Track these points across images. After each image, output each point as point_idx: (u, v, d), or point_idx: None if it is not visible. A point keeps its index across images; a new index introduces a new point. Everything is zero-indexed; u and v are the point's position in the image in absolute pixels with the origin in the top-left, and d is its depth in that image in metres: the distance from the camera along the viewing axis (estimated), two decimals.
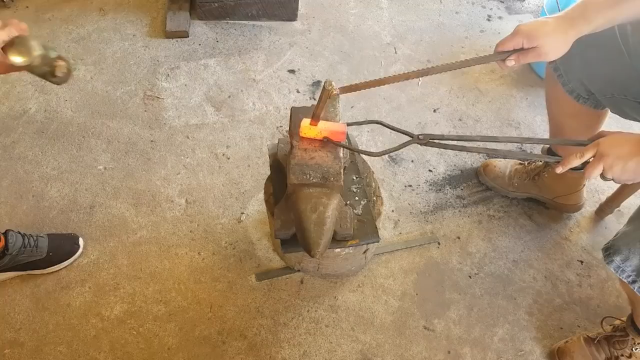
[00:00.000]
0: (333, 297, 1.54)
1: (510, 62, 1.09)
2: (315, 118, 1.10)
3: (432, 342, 1.48)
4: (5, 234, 1.44)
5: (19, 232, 1.47)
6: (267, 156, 1.45)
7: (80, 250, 1.57)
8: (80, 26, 2.23)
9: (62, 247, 1.54)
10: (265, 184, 1.40)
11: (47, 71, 1.05)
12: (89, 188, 1.73)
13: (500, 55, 1.10)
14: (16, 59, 0.98)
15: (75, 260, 1.56)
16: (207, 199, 1.73)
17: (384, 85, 1.09)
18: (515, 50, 1.08)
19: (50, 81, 1.10)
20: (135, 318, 1.47)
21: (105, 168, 1.78)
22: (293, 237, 1.17)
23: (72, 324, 1.46)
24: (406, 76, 1.09)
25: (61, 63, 1.07)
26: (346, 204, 1.24)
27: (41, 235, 1.52)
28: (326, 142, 1.14)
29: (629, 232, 1.12)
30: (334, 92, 1.03)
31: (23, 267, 1.49)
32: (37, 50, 1.00)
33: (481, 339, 1.50)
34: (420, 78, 2.16)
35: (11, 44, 0.98)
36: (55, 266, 1.53)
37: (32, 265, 1.50)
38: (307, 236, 1.07)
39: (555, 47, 1.06)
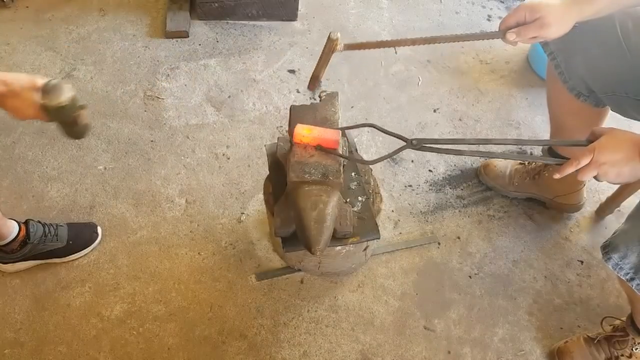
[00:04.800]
0: (333, 297, 1.54)
1: (511, 35, 1.09)
2: (313, 80, 1.09)
3: (432, 342, 1.48)
4: (26, 223, 1.47)
5: (39, 222, 1.50)
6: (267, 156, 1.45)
7: (99, 238, 1.59)
8: (80, 26, 2.23)
9: (81, 236, 1.56)
10: (264, 183, 1.40)
11: (71, 118, 1.08)
12: (89, 188, 1.73)
13: (503, 31, 1.11)
14: (51, 99, 1.01)
15: (94, 248, 1.58)
16: (207, 199, 1.72)
17: (390, 47, 1.10)
18: (518, 25, 1.09)
19: (69, 132, 1.12)
20: (135, 318, 1.47)
21: (105, 168, 1.78)
22: (293, 235, 1.17)
23: (72, 324, 1.45)
24: (412, 42, 1.12)
25: (84, 112, 1.10)
26: (345, 202, 1.24)
27: (61, 224, 1.54)
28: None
29: (626, 230, 1.12)
30: (338, 47, 1.01)
31: (43, 256, 1.51)
32: (69, 93, 1.04)
33: (481, 339, 1.50)
34: (420, 78, 2.16)
35: (45, 89, 1.01)
36: (75, 254, 1.55)
37: (52, 254, 1.52)
38: (308, 234, 1.07)
39: (557, 20, 1.06)
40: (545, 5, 1.06)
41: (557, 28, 1.08)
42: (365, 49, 1.09)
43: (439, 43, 1.12)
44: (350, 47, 1.06)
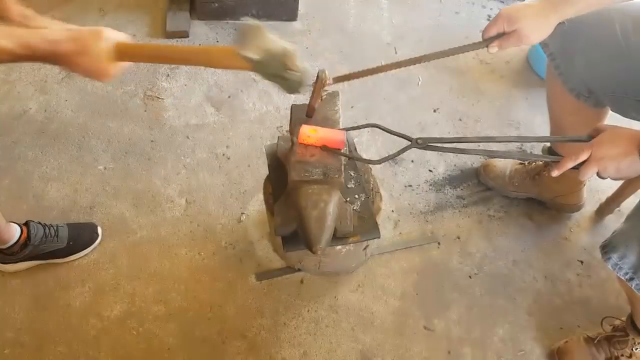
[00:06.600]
0: (333, 297, 1.54)
1: (493, 49, 1.11)
2: (310, 110, 1.10)
3: (432, 342, 1.48)
4: (27, 224, 1.47)
5: (39, 223, 1.49)
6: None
7: (100, 238, 1.59)
8: (80, 26, 2.23)
9: (81, 236, 1.56)
10: (264, 183, 1.40)
11: (277, 64, 0.87)
12: (89, 188, 1.73)
13: (485, 42, 1.12)
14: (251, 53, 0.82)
15: (95, 248, 1.58)
16: (207, 199, 1.72)
17: (376, 74, 1.10)
18: (499, 35, 1.10)
19: (281, 83, 0.92)
20: (135, 318, 1.47)
21: (105, 168, 1.78)
22: (293, 235, 1.17)
23: (72, 324, 1.45)
24: (397, 65, 1.11)
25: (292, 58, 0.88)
26: (346, 201, 1.24)
27: (61, 225, 1.54)
28: None
29: (626, 230, 1.12)
30: (327, 82, 1.03)
31: (44, 257, 1.51)
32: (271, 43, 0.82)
33: (481, 339, 1.49)
34: (420, 78, 2.16)
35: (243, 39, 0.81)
36: (76, 254, 1.55)
37: (53, 255, 1.52)
38: (309, 233, 1.07)
39: (535, 30, 1.08)
40: (523, 15, 1.06)
41: (536, 36, 1.09)
42: (353, 79, 1.10)
43: (425, 62, 1.13)
44: (338, 79, 1.08)
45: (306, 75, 0.93)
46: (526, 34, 1.07)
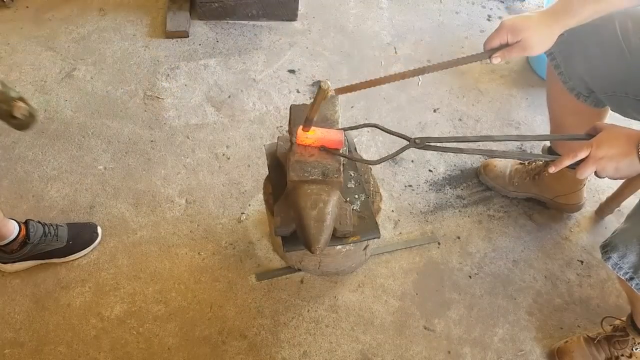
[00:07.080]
0: (333, 297, 1.54)
1: (496, 59, 1.12)
2: (307, 123, 1.09)
3: (432, 342, 1.48)
4: (26, 223, 1.47)
5: (39, 222, 1.50)
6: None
7: (99, 238, 1.59)
8: (80, 26, 2.23)
9: (81, 236, 1.56)
10: (264, 183, 1.40)
11: (4, 110, 1.04)
12: (89, 188, 1.73)
13: (488, 52, 1.12)
14: None
15: (94, 248, 1.58)
16: (207, 199, 1.72)
17: (380, 85, 1.09)
18: (502, 46, 1.10)
19: (9, 124, 1.08)
20: (135, 318, 1.47)
21: (105, 168, 1.78)
22: (293, 235, 1.17)
23: (72, 324, 1.45)
24: (402, 76, 1.10)
25: (21, 104, 1.05)
26: (346, 201, 1.24)
27: (61, 224, 1.54)
28: None
29: (626, 230, 1.12)
30: (330, 93, 1.03)
31: (43, 256, 1.51)
32: None
33: (481, 339, 1.49)
34: (420, 78, 2.16)
35: None
36: (75, 254, 1.55)
37: (52, 254, 1.52)
38: (308, 232, 1.07)
39: (539, 40, 1.08)
40: (527, 26, 1.07)
41: (540, 47, 1.10)
42: (355, 91, 1.10)
43: (428, 73, 1.12)
44: (341, 91, 1.08)
45: (34, 119, 1.11)
46: (530, 44, 1.08)
